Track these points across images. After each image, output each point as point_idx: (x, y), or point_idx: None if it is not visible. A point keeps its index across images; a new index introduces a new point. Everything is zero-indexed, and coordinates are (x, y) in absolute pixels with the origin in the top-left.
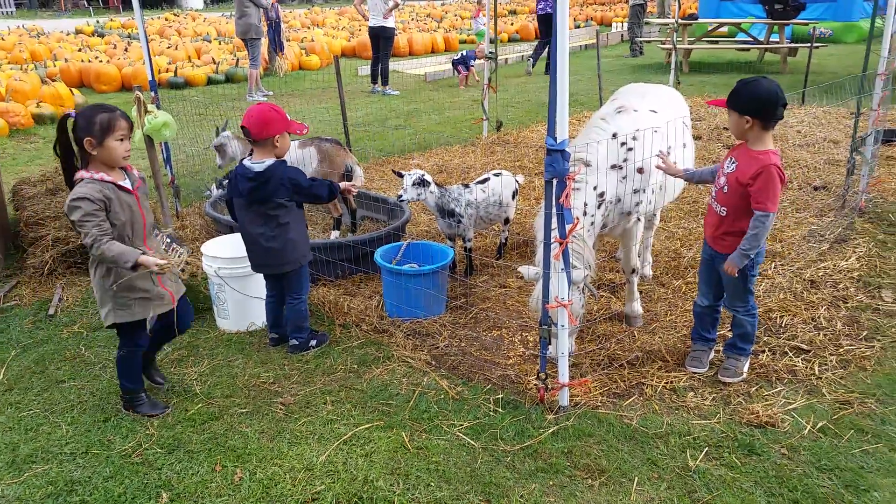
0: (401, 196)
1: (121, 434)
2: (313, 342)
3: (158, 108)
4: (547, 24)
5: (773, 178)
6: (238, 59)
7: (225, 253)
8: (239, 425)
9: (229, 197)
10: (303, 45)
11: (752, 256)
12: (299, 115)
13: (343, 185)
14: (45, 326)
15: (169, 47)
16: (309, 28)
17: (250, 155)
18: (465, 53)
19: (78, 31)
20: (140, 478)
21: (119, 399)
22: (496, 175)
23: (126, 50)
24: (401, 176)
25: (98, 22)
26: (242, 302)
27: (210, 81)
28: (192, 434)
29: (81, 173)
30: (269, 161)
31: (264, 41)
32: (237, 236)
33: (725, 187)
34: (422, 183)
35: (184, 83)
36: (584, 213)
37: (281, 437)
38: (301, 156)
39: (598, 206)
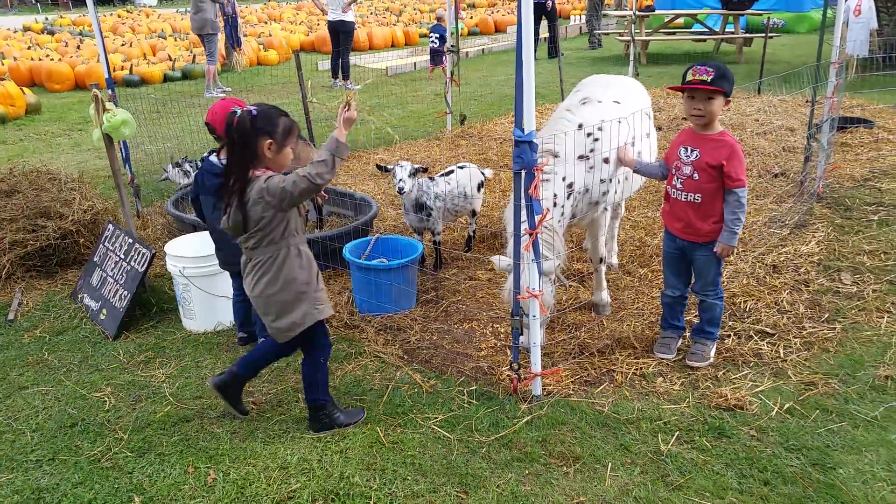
0: (401, 188)
1: (88, 439)
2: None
3: (116, 106)
4: (538, 12)
5: (742, 155)
6: (195, 56)
7: (189, 252)
8: (210, 426)
9: (195, 195)
10: (260, 40)
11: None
12: None
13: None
14: (5, 332)
15: (123, 45)
16: (266, 23)
17: (215, 151)
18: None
19: (26, 29)
20: (111, 483)
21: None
22: (461, 168)
23: (78, 48)
24: (385, 170)
25: (47, 19)
26: (209, 301)
27: (166, 79)
28: (163, 436)
29: (258, 173)
30: None
31: (221, 37)
32: (201, 235)
33: (695, 174)
34: (415, 173)
35: (139, 81)
36: (555, 204)
37: (254, 437)
38: None
39: (568, 197)
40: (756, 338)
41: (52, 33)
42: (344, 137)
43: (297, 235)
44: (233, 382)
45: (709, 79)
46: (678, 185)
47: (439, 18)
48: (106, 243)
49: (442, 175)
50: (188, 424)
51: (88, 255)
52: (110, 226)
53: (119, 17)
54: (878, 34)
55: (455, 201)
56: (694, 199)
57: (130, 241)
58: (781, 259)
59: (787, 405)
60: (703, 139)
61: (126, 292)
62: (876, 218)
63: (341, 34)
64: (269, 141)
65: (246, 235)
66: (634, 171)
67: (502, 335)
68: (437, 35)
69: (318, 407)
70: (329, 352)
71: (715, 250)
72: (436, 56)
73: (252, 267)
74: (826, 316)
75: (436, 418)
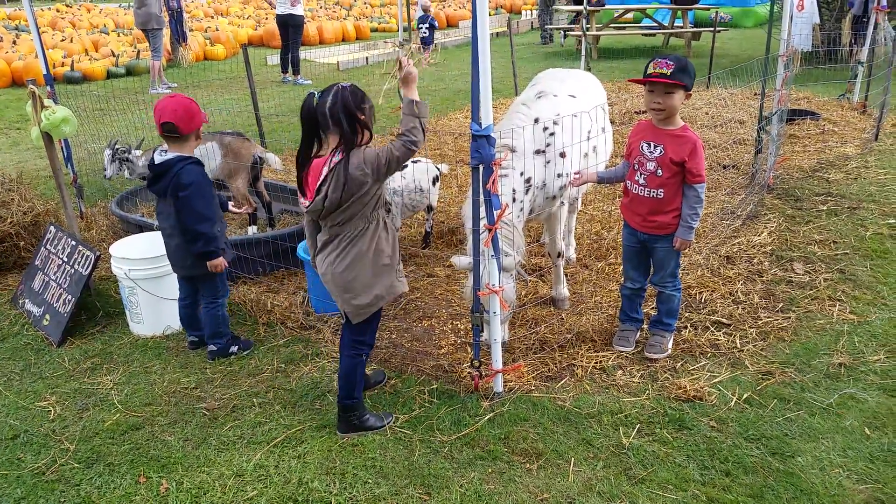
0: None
1: (32, 451)
2: (234, 348)
3: (56, 102)
4: None
5: (702, 151)
6: (139, 51)
7: (135, 254)
8: (161, 434)
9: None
10: (207, 34)
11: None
12: (207, 108)
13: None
14: None
15: (63, 40)
16: (213, 17)
17: (159, 148)
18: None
19: None
20: (56, 496)
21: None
22: (414, 162)
23: (14, 43)
24: None
25: None
26: (157, 305)
27: (110, 75)
28: (112, 446)
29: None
30: (172, 155)
31: (166, 31)
32: (147, 236)
33: (659, 170)
34: None
35: (81, 78)
36: (514, 200)
37: (207, 444)
38: (201, 152)
39: (526, 192)
40: (713, 329)
41: None
42: (415, 95)
43: (383, 207)
44: (354, 412)
45: (668, 72)
46: (640, 181)
47: (425, 9)
48: (48, 246)
49: None
50: (138, 432)
51: (29, 259)
52: (52, 228)
53: (58, 11)
54: (820, 29)
55: (412, 196)
56: (656, 194)
57: (74, 243)
58: (735, 250)
59: (745, 395)
60: (666, 134)
61: (70, 296)
62: (825, 208)
63: (290, 28)
64: (363, 116)
65: (338, 211)
66: (598, 183)
67: (462, 332)
68: (427, 25)
69: (350, 407)
70: (372, 349)
71: (673, 244)
72: (426, 44)
73: (339, 243)
74: (780, 306)
75: (396, 419)
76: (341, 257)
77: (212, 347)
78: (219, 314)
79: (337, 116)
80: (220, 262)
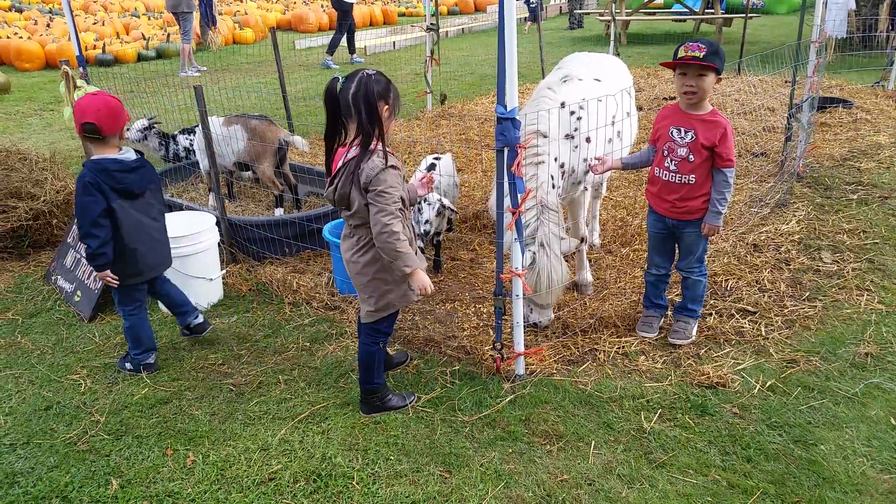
0: (426, 231)
1: (64, 422)
2: (128, 365)
3: (88, 83)
4: None
5: (732, 135)
6: (169, 35)
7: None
8: (189, 408)
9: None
10: (236, 18)
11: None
12: (235, 91)
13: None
14: None
15: (95, 23)
16: (242, 1)
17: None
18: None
19: None
20: (87, 466)
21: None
22: (436, 159)
23: (48, 26)
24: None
25: None
26: (184, 283)
27: (140, 58)
28: (140, 419)
29: (377, 145)
30: (133, 153)
31: (196, 15)
32: (175, 215)
33: (691, 155)
34: (442, 210)
35: (113, 60)
36: (553, 186)
37: (233, 419)
38: (227, 133)
39: (562, 177)
40: (738, 316)
41: (20, 11)
42: (408, 252)
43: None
44: (376, 394)
45: (701, 55)
46: (671, 167)
47: None
48: None
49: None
50: (166, 406)
51: (62, 237)
52: None
53: None
54: (856, 15)
55: (449, 192)
56: (688, 179)
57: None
58: (762, 238)
59: (768, 383)
60: (696, 119)
61: None
62: (855, 197)
63: (339, 13)
64: (387, 106)
65: (349, 213)
66: (622, 169)
67: (485, 315)
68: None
69: (371, 391)
70: (389, 338)
71: (701, 230)
72: (532, 13)
73: (357, 241)
74: (807, 294)
75: (419, 398)
76: (359, 254)
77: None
78: (127, 326)
79: (358, 105)
80: (104, 275)
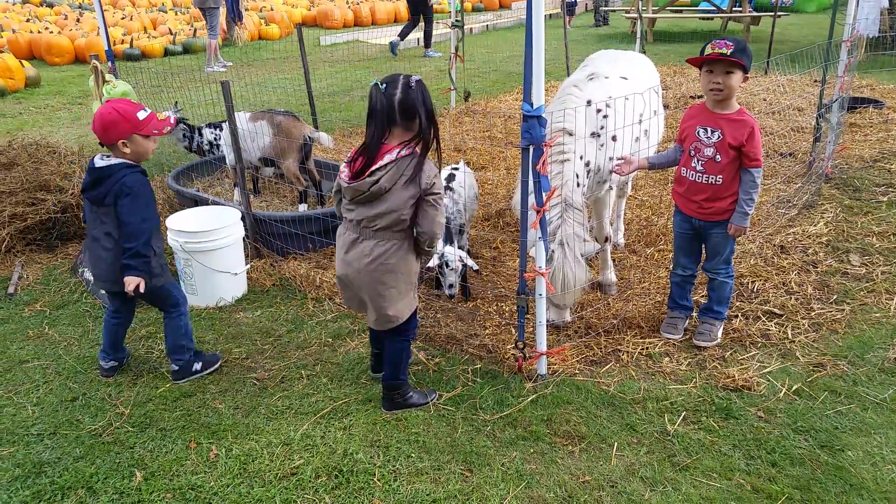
0: (451, 293)
1: (90, 413)
2: (198, 365)
3: (117, 77)
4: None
5: (760, 134)
6: (195, 30)
7: (191, 227)
8: (212, 402)
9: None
10: (262, 14)
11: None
12: (260, 86)
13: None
14: (5, 306)
15: (123, 18)
16: None
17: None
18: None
19: (25, 1)
20: (112, 457)
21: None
22: (455, 169)
23: (78, 21)
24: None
25: None
26: (211, 277)
27: (167, 53)
28: (165, 412)
29: (415, 149)
30: (116, 160)
31: (222, 10)
32: (202, 209)
33: (718, 156)
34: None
35: (140, 55)
36: (578, 185)
37: (256, 413)
38: (252, 129)
39: (587, 175)
40: (764, 318)
41: (51, 6)
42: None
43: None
44: (398, 391)
45: (728, 52)
46: (698, 168)
47: None
48: None
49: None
50: (190, 399)
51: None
52: None
53: None
54: (889, 13)
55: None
56: (715, 180)
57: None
58: (789, 240)
59: (795, 386)
60: (723, 118)
61: None
62: (885, 199)
63: (411, 5)
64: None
65: (375, 214)
66: (649, 169)
67: (507, 314)
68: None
69: (394, 387)
70: (416, 333)
71: (728, 231)
72: (571, 7)
73: (373, 247)
74: (834, 297)
75: (440, 396)
76: (374, 266)
77: (174, 367)
78: (180, 324)
79: (414, 111)
80: (136, 281)
